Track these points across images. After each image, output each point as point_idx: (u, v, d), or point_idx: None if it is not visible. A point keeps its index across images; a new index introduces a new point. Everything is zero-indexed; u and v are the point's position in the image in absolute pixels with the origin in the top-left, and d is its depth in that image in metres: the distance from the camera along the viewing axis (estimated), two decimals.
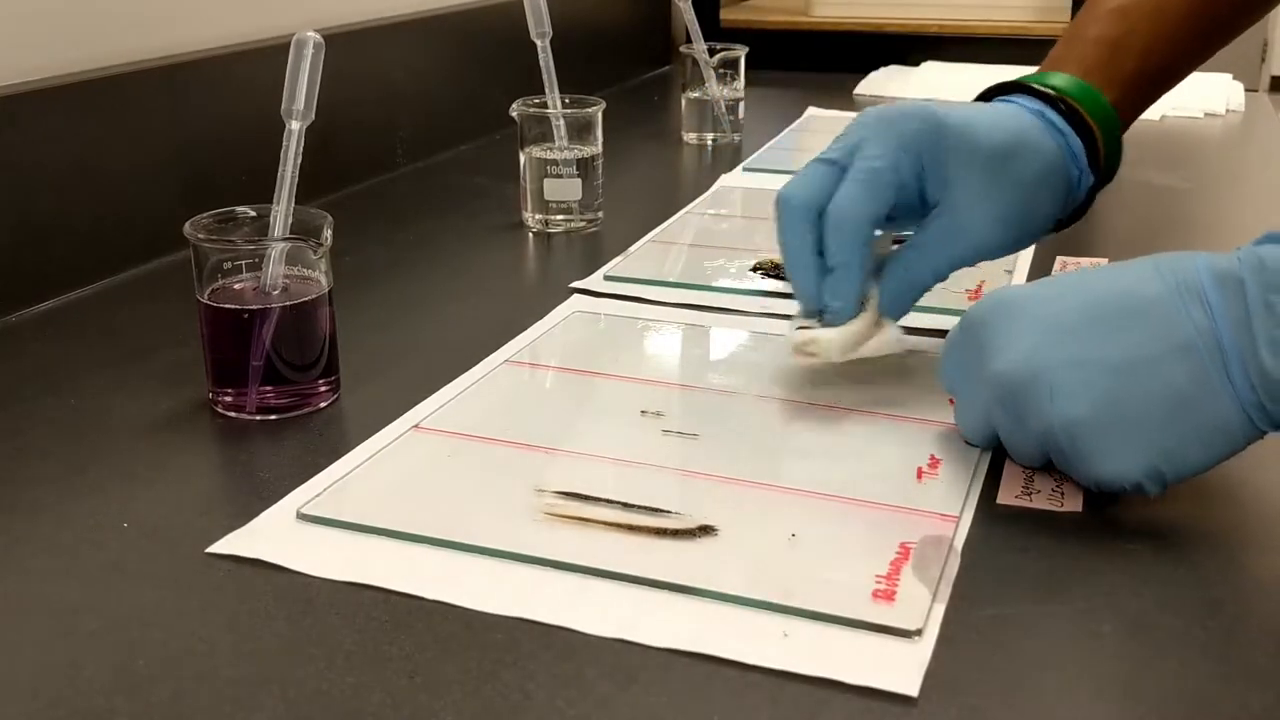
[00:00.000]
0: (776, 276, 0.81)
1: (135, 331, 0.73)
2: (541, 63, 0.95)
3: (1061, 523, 0.51)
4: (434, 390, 0.63)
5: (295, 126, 0.62)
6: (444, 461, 0.55)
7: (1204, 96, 1.39)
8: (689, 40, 1.22)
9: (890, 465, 0.55)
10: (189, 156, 0.87)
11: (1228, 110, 1.37)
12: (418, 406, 0.61)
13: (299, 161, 0.62)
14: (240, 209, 0.62)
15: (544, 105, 0.93)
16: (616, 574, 0.46)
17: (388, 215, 0.99)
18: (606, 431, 0.59)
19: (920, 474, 0.54)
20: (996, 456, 0.56)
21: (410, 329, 0.74)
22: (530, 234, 0.93)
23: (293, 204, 0.61)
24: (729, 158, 1.18)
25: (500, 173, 1.04)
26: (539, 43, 0.95)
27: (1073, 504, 0.52)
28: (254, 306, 0.60)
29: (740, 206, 1.02)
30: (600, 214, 0.94)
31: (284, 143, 0.62)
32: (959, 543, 0.49)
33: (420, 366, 0.67)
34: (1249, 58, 1.77)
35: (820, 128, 1.31)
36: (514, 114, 0.92)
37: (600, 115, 0.93)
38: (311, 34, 0.62)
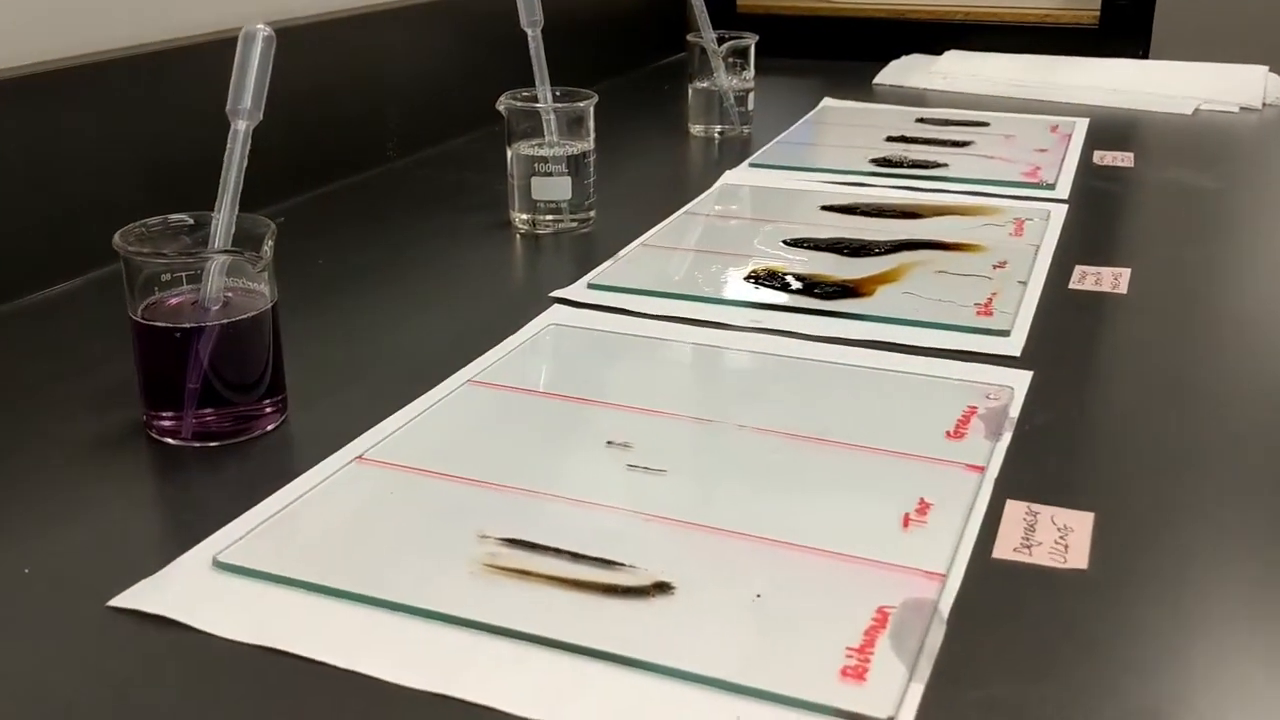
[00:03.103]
0: (770, 285, 0.75)
1: (84, 342, 0.68)
2: (532, 53, 0.90)
3: (1064, 582, 0.45)
4: (389, 414, 0.58)
5: (241, 127, 0.57)
6: (383, 500, 0.50)
7: (1239, 90, 1.32)
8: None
9: (874, 511, 0.49)
10: (153, 153, 0.82)
11: (1265, 104, 1.30)
12: (365, 434, 0.56)
13: (244, 165, 0.57)
14: (176, 216, 0.58)
15: (533, 99, 0.88)
16: (556, 641, 0.41)
17: (371, 213, 0.95)
18: (566, 466, 0.54)
19: (907, 521, 0.48)
20: (995, 500, 0.50)
21: (375, 342, 0.69)
22: (517, 235, 0.88)
23: (236, 212, 0.57)
24: (736, 152, 1.12)
25: (493, 168, 0.99)
26: (530, 32, 0.90)
27: (1077, 560, 0.46)
28: (188, 325, 0.55)
29: (743, 206, 0.96)
30: (592, 214, 0.89)
31: (228, 145, 0.57)
32: (945, 607, 0.43)
33: (377, 386, 0.62)
34: None
35: (836, 120, 1.25)
36: (501, 108, 0.87)
37: (592, 109, 0.88)
38: (261, 27, 0.57)
